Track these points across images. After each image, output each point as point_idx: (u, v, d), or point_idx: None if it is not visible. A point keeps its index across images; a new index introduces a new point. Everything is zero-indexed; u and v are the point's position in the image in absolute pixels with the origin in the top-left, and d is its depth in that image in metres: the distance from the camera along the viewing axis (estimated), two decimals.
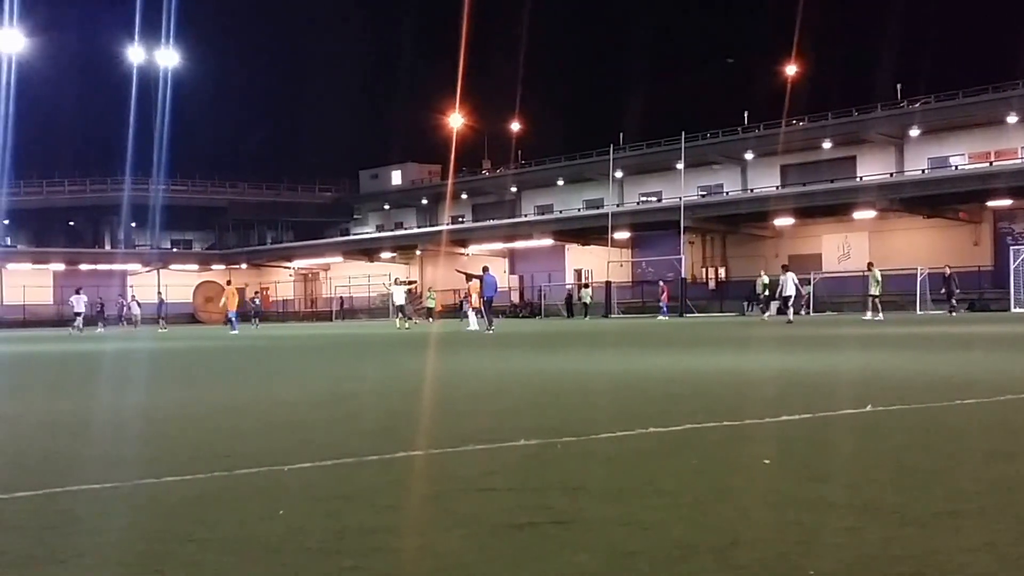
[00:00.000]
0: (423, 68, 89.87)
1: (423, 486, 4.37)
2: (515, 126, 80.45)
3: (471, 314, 32.03)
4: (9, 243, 77.48)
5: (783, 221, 54.66)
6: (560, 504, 3.80)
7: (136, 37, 60.89)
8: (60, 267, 73.01)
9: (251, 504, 3.99)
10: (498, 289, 31.48)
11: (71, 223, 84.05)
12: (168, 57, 61.83)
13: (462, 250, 67.62)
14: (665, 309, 46.21)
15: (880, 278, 34.15)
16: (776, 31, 74.31)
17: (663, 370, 11.36)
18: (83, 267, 72.68)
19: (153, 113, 60.93)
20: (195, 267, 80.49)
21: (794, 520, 3.45)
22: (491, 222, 69.35)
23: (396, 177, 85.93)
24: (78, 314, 43.10)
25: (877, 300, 33.23)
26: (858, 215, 52.30)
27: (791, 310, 32.85)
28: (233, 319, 36.47)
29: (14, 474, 4.83)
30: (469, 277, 32.47)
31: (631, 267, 60.17)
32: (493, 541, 3.27)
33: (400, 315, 36.45)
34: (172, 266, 77.56)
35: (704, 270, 62.06)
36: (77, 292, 45.01)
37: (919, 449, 5.11)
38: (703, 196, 61.60)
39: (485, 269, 30.34)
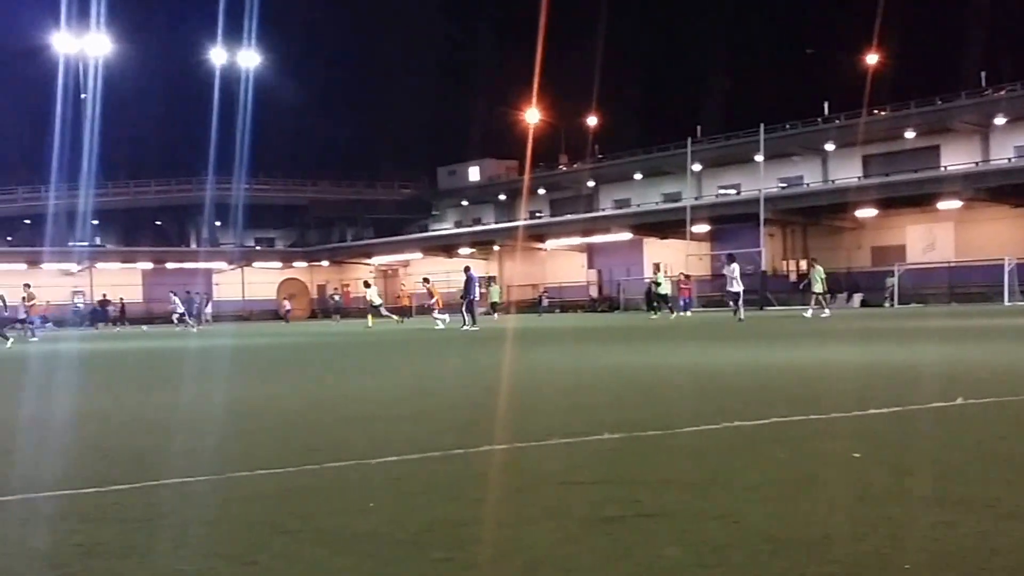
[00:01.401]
0: (500, 64, 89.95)
1: (509, 479, 4.39)
2: (592, 120, 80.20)
3: (437, 315, 32.48)
4: (98, 243, 79.46)
5: (865, 212, 53.63)
6: (647, 498, 3.80)
7: (219, 39, 62.03)
8: (148, 266, 74.69)
9: (341, 497, 4.06)
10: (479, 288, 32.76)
11: (158, 223, 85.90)
12: (250, 58, 62.87)
13: (539, 245, 67.64)
14: (684, 304, 43.94)
15: (823, 276, 31.94)
16: (856, 20, 72.92)
17: (743, 363, 11.25)
18: (169, 266, 74.25)
19: (236, 113, 62.03)
20: (278, 265, 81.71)
21: (886, 514, 3.40)
22: (568, 217, 69.22)
23: (474, 173, 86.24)
24: (181, 314, 44.68)
25: (821, 296, 31.30)
26: (942, 205, 51.11)
27: (742, 309, 29.90)
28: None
29: (108, 468, 4.96)
30: (427, 280, 34.28)
31: (710, 260, 59.55)
32: (582, 534, 3.28)
33: (372, 315, 36.88)
34: (255, 264, 78.87)
35: (785, 263, 61.18)
36: (188, 292, 46.89)
37: (1014, 441, 5.00)
38: (783, 188, 60.76)
39: (467, 269, 31.29)
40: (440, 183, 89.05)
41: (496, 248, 70.91)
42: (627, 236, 62.92)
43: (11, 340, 24.46)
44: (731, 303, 30.07)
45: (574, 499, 3.83)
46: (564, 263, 69.57)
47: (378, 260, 79.94)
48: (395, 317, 37.33)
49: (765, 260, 52.63)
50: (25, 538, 3.49)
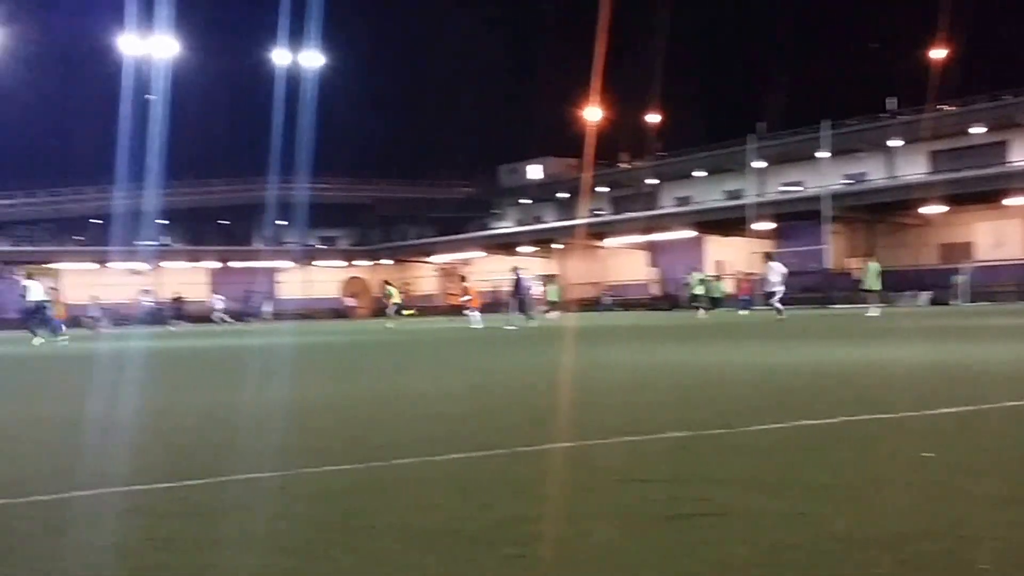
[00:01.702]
0: (561, 61, 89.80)
1: (575, 477, 4.39)
2: (653, 117, 79.75)
3: (474, 314, 32.18)
4: (166, 242, 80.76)
5: (932, 209, 52.72)
6: (715, 496, 3.79)
7: (282, 40, 62.70)
8: (213, 264, 75.78)
9: (408, 493, 4.10)
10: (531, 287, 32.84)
11: (224, 222, 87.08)
12: (313, 58, 63.49)
13: (600, 243, 67.46)
14: (743, 303, 43.09)
15: (879, 272, 30.94)
16: (921, 12, 71.61)
17: (807, 362, 11.14)
18: (234, 264, 75.25)
19: (300, 113, 62.64)
20: (340, 263, 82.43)
21: (958, 514, 3.37)
22: (629, 215, 68.94)
23: (534, 171, 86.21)
24: (265, 311, 45.65)
25: (875, 294, 30.60)
26: (1010, 202, 50.06)
27: (779, 307, 28.02)
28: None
29: (178, 464, 5.04)
30: (463, 278, 33.97)
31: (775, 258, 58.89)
32: (650, 532, 3.29)
33: (393, 314, 36.81)
34: (318, 262, 79.65)
35: (849, 261, 60.33)
36: (247, 291, 47.69)
37: None
38: (847, 185, 59.94)
39: (515, 269, 31.57)
40: (501, 181, 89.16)
41: (556, 246, 70.86)
42: (688, 234, 62.52)
43: (41, 339, 24.05)
44: (770, 303, 28.66)
45: (640, 497, 3.84)
46: (625, 261, 69.32)
47: (439, 259, 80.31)
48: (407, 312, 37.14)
49: (829, 258, 51.97)
50: (98, 532, 3.56)
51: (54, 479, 4.59)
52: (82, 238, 78.62)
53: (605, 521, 3.44)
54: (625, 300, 63.95)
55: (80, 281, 64.83)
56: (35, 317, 24.72)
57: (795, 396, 7.47)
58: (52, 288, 31.66)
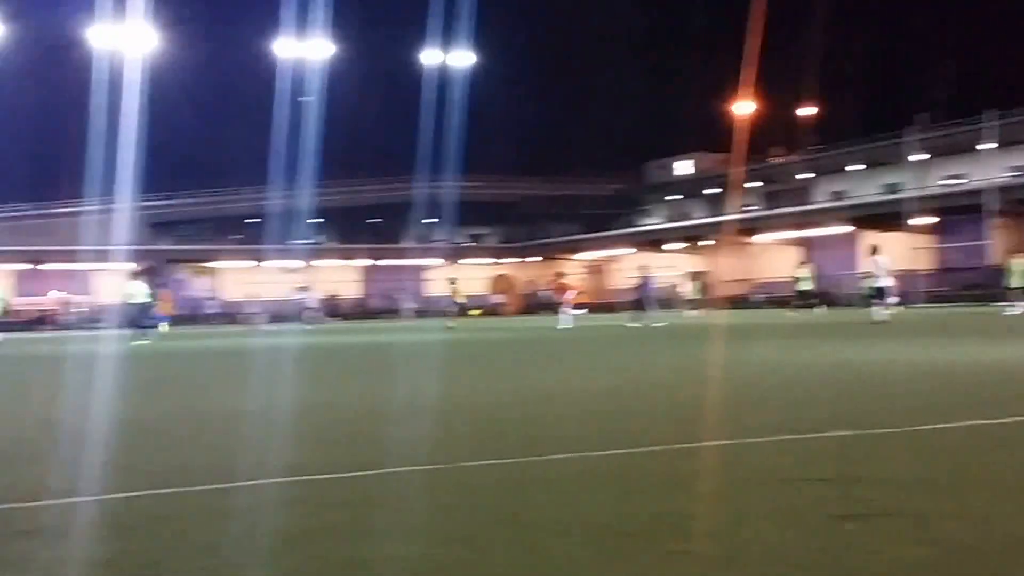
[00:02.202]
0: (711, 54, 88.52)
1: (735, 475, 4.31)
2: (807, 110, 77.82)
3: (567, 312, 31.27)
4: (318, 240, 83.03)
5: None
6: (885, 496, 3.66)
7: (433, 39, 63.69)
8: (365, 262, 77.54)
9: (567, 488, 4.09)
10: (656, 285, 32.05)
11: (375, 220, 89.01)
12: (463, 58, 64.28)
13: (750, 239, 66.22)
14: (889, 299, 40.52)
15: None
16: None
17: (965, 361, 10.69)
18: (385, 262, 76.84)
19: (449, 112, 63.53)
20: (488, 261, 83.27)
21: None
22: (781, 210, 67.43)
23: (683, 167, 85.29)
24: (408, 308, 45.80)
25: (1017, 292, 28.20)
26: None
27: (886, 306, 25.04)
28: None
29: (337, 456, 5.17)
30: (561, 274, 33.31)
31: (936, 254, 56.75)
32: (818, 532, 3.19)
33: (452, 314, 36.20)
34: (466, 260, 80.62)
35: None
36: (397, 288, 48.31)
37: None
38: (1014, 177, 57.21)
39: (643, 267, 31.09)
40: (649, 177, 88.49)
41: (705, 243, 69.90)
42: (843, 229, 60.74)
43: (146, 339, 24.26)
44: (874, 300, 25.52)
45: (806, 496, 3.74)
46: (776, 258, 67.87)
47: (586, 255, 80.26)
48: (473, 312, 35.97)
49: (993, 254, 49.74)
50: (262, 521, 3.66)
51: (218, 469, 4.76)
52: (239, 237, 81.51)
53: (769, 520, 3.36)
54: (776, 297, 62.58)
55: (237, 279, 67.34)
56: (141, 317, 25.27)
57: (959, 395, 7.18)
58: (164, 285, 32.41)
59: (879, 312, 24.01)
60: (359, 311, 64.93)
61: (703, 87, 79.24)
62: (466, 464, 4.67)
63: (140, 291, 25.76)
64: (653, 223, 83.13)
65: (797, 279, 37.14)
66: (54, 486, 4.34)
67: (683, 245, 70.52)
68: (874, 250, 26.33)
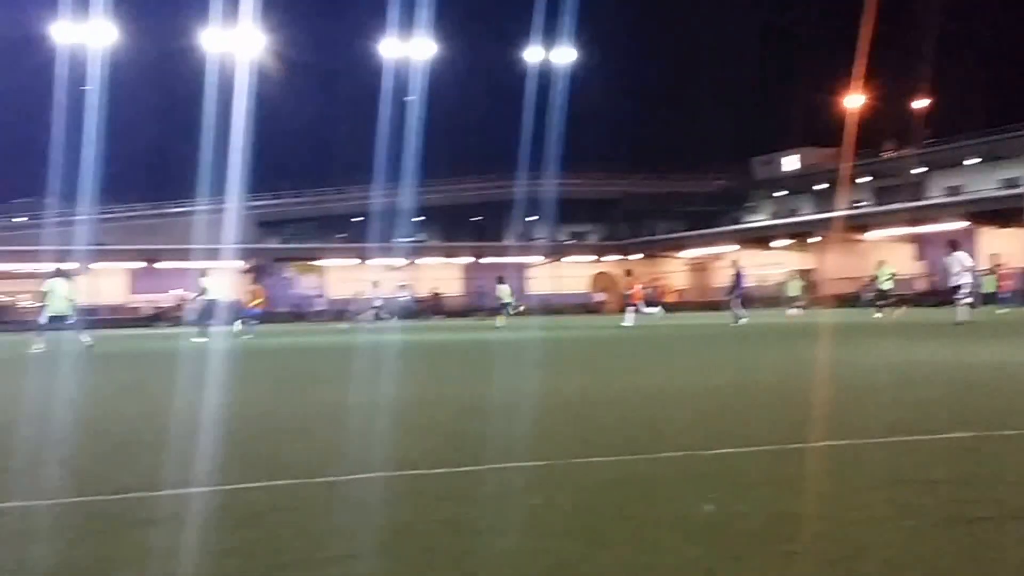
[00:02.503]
0: (820, 47, 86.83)
1: (849, 475, 4.22)
2: (921, 102, 75.73)
3: (636, 311, 30.41)
4: (421, 238, 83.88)
5: None
6: (1014, 499, 3.51)
7: (535, 36, 63.80)
8: (467, 260, 78.05)
9: (682, 486, 4.05)
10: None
11: (477, 218, 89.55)
12: (565, 54, 64.24)
13: (860, 236, 64.73)
14: (1005, 298, 38.90)
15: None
16: None
17: None
18: (486, 260, 77.21)
19: (551, 109, 63.56)
20: (590, 258, 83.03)
21: None
22: (893, 206, 65.76)
23: (790, 162, 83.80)
24: (377, 308, 44.85)
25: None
26: None
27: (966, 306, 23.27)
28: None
29: (454, 451, 5.19)
30: (629, 273, 32.52)
31: None
32: (944, 535, 3.09)
33: (502, 313, 35.45)
34: (568, 258, 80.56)
35: None
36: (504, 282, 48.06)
37: None
38: None
39: (735, 263, 30.46)
40: (755, 173, 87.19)
41: (813, 240, 68.57)
42: (959, 225, 58.95)
43: (248, 334, 24.30)
44: (957, 300, 23.84)
45: (930, 498, 3.61)
46: (888, 255, 66.23)
47: (689, 253, 79.48)
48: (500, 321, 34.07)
49: None
50: (374, 513, 3.72)
51: (329, 462, 4.82)
52: (344, 235, 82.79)
53: (894, 522, 3.27)
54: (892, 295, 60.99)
55: (342, 276, 68.40)
56: (207, 314, 25.44)
57: None
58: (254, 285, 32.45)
59: (963, 312, 22.87)
60: (461, 309, 65.33)
61: (812, 80, 77.76)
62: (572, 461, 4.64)
63: (216, 288, 26.18)
64: (759, 220, 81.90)
65: (877, 278, 35.96)
66: (173, 477, 4.44)
67: (789, 242, 69.31)
68: (954, 246, 25.23)
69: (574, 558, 2.95)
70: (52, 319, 20.12)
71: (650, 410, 6.93)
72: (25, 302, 59.89)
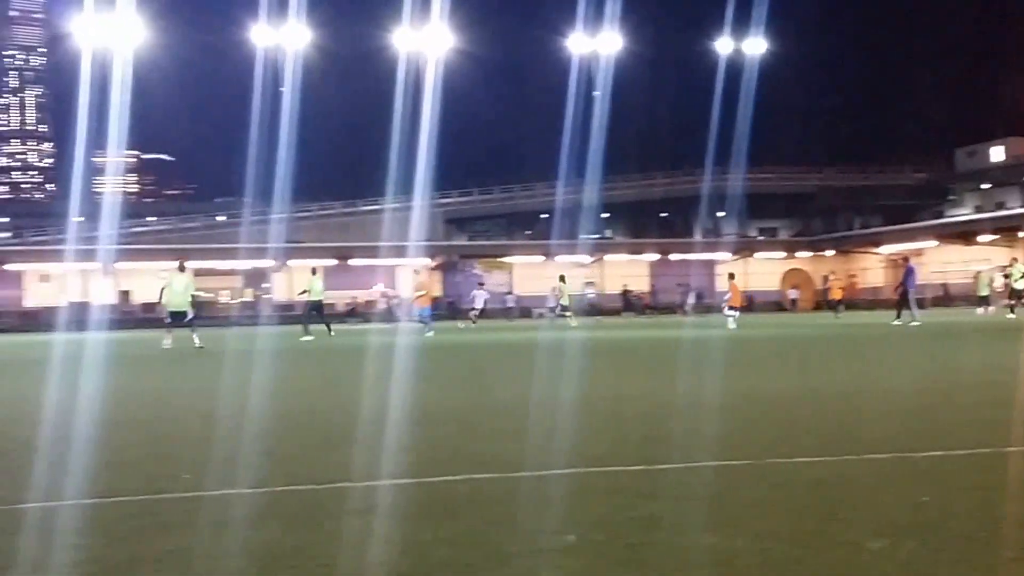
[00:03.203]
0: None
1: None
2: None
3: (728, 311, 28.33)
4: (607, 235, 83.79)
5: None
6: None
7: (725, 28, 62.78)
8: (654, 257, 77.45)
9: (889, 488, 3.92)
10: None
11: (663, 214, 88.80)
12: (755, 46, 62.92)
13: None
14: None
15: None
16: None
17: None
18: (673, 257, 76.42)
19: (739, 103, 62.43)
20: (780, 255, 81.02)
21: None
22: None
23: (996, 153, 79.63)
24: (689, 304, 44.62)
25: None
26: None
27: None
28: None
29: (640, 448, 5.16)
30: (732, 276, 30.11)
31: None
32: None
33: (564, 314, 34.21)
34: (757, 254, 78.84)
35: None
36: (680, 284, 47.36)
37: None
38: None
39: (906, 260, 28.41)
40: (958, 165, 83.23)
41: (1022, 235, 64.86)
42: None
43: (312, 336, 23.69)
44: None
45: None
46: None
47: (887, 249, 76.47)
48: (573, 321, 31.80)
49: None
50: (578, 509, 3.71)
51: (527, 457, 4.86)
52: (529, 232, 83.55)
53: None
54: None
55: (529, 273, 69.02)
56: (313, 313, 25.38)
57: None
58: (421, 282, 32.09)
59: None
60: (647, 307, 64.85)
61: (1020, 66, 73.59)
62: (775, 460, 4.53)
63: (317, 287, 25.46)
64: (962, 214, 78.07)
65: (1010, 276, 33.42)
66: (376, 469, 4.56)
67: (994, 237, 65.75)
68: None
69: (783, 559, 2.90)
70: (172, 315, 19.78)
71: (849, 409, 6.72)
72: (225, 298, 62.99)
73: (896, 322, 26.12)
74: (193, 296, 20.36)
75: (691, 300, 56.80)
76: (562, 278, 37.46)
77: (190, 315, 20.07)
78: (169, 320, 20.01)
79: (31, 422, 6.62)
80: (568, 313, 35.94)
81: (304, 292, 25.70)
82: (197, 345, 18.84)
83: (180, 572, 2.91)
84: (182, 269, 20.64)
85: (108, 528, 3.46)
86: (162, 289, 20.17)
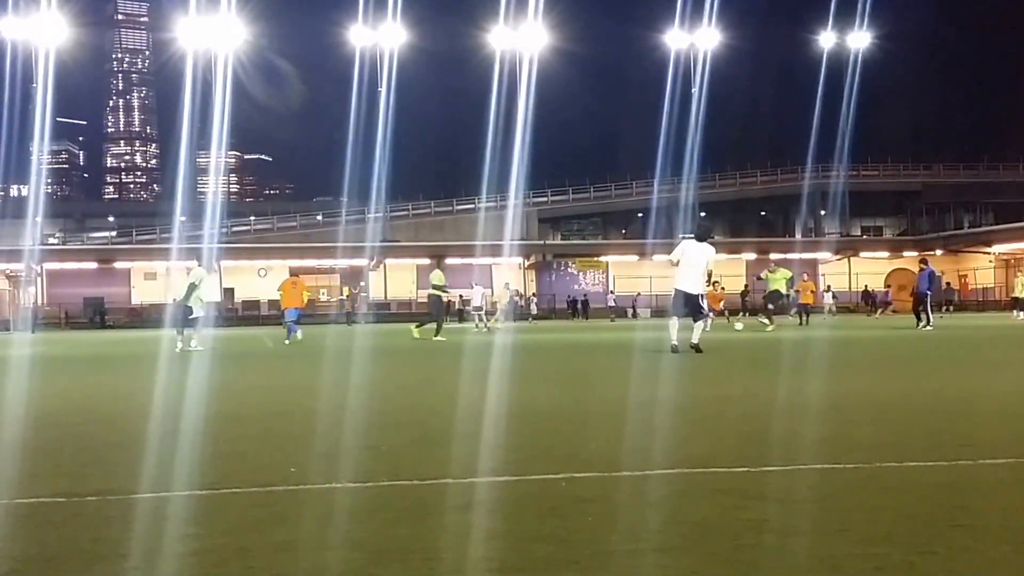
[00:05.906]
0: None
1: None
2: None
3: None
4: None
5: None
6: None
7: (826, 24, 61.62)
8: (751, 256, 76.38)
9: (1007, 494, 3.80)
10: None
11: (763, 212, 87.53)
12: (860, 39, 61.61)
13: None
14: None
15: None
16: None
17: None
18: (773, 256, 75.27)
19: (841, 99, 61.21)
20: (885, 254, 79.20)
21: None
22: None
23: None
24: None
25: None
26: None
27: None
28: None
29: (743, 450, 5.07)
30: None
31: None
32: None
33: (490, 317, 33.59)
34: (861, 253, 77.17)
35: None
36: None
37: None
38: None
39: (924, 261, 27.05)
40: None
41: None
42: None
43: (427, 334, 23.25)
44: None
45: None
46: None
47: (998, 248, 74.12)
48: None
49: None
50: (681, 510, 3.66)
51: (627, 457, 4.82)
52: (624, 231, 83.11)
53: None
54: None
55: (624, 273, 68.68)
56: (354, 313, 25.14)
57: None
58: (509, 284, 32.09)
59: None
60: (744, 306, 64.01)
61: None
62: (890, 464, 4.42)
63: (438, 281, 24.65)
64: None
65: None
66: (477, 466, 4.57)
67: None
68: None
69: (897, 565, 2.82)
70: (187, 314, 19.42)
71: (961, 412, 6.54)
72: (324, 296, 63.96)
73: (927, 327, 24.88)
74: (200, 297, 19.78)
75: (794, 300, 55.76)
76: (506, 285, 39.04)
77: (196, 314, 19.50)
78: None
79: (142, 415, 6.80)
80: (496, 317, 36.12)
81: (439, 288, 24.03)
82: (193, 347, 18.45)
83: (290, 564, 2.95)
84: (200, 268, 20.46)
85: (219, 519, 3.54)
86: (190, 286, 19.59)
